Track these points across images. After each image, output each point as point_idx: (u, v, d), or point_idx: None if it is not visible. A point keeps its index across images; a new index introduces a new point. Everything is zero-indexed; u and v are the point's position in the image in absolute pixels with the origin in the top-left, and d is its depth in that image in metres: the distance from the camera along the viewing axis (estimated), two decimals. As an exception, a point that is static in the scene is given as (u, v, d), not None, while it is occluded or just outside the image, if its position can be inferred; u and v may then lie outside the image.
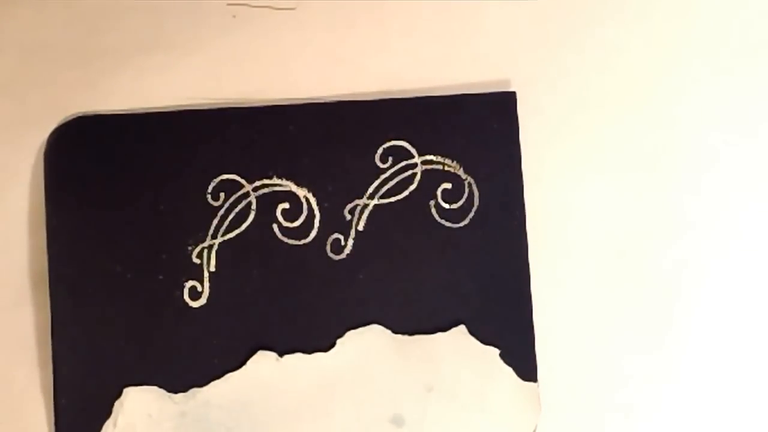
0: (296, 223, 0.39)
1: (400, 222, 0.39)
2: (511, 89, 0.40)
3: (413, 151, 0.40)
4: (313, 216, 0.39)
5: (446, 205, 0.39)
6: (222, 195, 0.39)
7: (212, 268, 0.39)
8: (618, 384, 0.40)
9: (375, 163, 0.39)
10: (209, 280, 0.39)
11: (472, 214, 0.39)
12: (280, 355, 0.39)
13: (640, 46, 0.41)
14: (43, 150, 0.39)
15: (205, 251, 0.39)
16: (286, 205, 0.39)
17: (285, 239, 0.39)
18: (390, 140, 0.40)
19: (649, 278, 0.40)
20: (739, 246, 0.40)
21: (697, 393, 0.40)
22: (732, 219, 0.40)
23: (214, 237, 0.39)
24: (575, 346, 0.40)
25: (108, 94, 0.40)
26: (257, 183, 0.39)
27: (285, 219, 0.39)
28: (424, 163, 0.39)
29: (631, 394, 0.39)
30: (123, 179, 0.39)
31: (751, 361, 0.40)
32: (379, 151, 0.39)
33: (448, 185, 0.39)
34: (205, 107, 0.39)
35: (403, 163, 0.39)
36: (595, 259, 0.40)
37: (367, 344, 0.39)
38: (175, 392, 0.38)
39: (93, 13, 0.40)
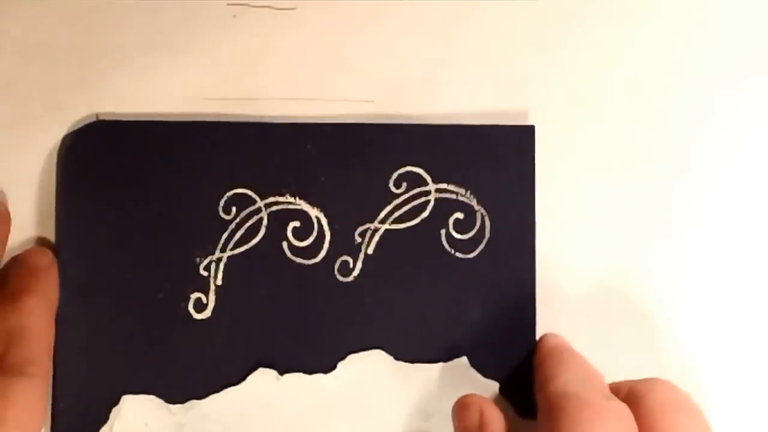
0: (306, 243, 0.39)
1: (410, 248, 0.39)
2: (527, 118, 0.40)
3: (428, 178, 0.39)
4: (324, 236, 0.39)
5: (457, 235, 0.39)
6: (234, 209, 0.39)
7: (219, 282, 0.39)
8: None
9: (389, 187, 0.39)
10: (215, 294, 0.39)
11: (482, 246, 0.39)
12: (281, 373, 0.39)
13: (646, 53, 0.41)
14: (45, 152, 0.39)
15: (213, 264, 0.39)
16: (297, 224, 0.39)
17: (294, 258, 0.39)
18: (405, 166, 0.39)
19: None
20: (742, 246, 0.41)
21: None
22: (734, 219, 0.41)
23: (222, 250, 0.39)
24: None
25: (108, 95, 0.39)
26: (270, 199, 0.39)
27: (295, 237, 0.39)
28: (438, 191, 0.39)
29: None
30: (136, 185, 0.39)
31: (755, 363, 0.40)
32: (394, 176, 0.39)
33: (460, 215, 0.39)
34: (223, 120, 0.39)
35: (417, 190, 0.39)
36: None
37: (368, 369, 0.39)
38: (174, 403, 0.38)
39: (92, 13, 0.40)
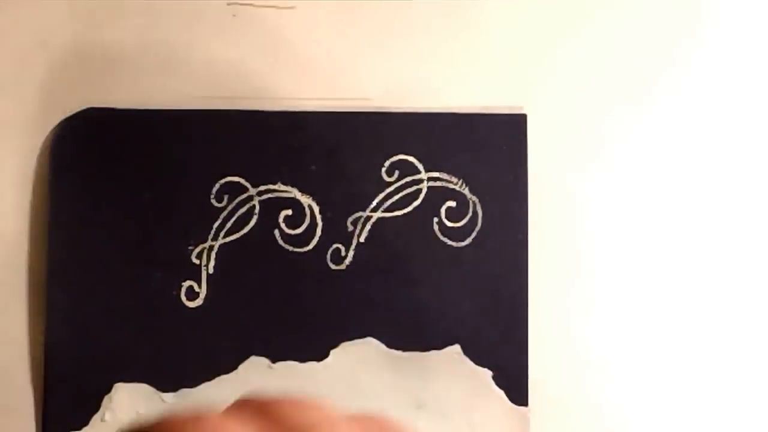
0: (298, 231, 0.39)
1: (402, 237, 0.39)
2: (520, 108, 0.40)
3: (420, 166, 0.39)
4: (316, 225, 0.39)
5: (449, 223, 0.39)
6: (226, 197, 0.39)
7: (211, 270, 0.39)
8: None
9: (381, 176, 0.39)
10: (207, 282, 0.39)
11: (474, 234, 0.39)
12: (273, 361, 0.38)
13: (644, 52, 0.41)
14: (42, 149, 0.39)
15: (205, 252, 0.39)
16: (289, 212, 0.39)
17: (286, 246, 0.39)
18: (398, 154, 0.39)
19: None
20: (742, 243, 0.40)
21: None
22: (733, 215, 0.40)
23: (214, 239, 0.39)
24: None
25: (108, 94, 0.40)
26: (262, 187, 0.39)
27: (287, 226, 0.39)
28: (430, 179, 0.39)
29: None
30: (128, 175, 0.39)
31: (759, 366, 0.40)
32: (386, 164, 0.39)
33: (452, 203, 0.39)
34: (215, 108, 0.39)
35: (409, 178, 0.39)
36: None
37: (360, 357, 0.39)
38: (166, 391, 0.38)
39: (92, 12, 0.40)
